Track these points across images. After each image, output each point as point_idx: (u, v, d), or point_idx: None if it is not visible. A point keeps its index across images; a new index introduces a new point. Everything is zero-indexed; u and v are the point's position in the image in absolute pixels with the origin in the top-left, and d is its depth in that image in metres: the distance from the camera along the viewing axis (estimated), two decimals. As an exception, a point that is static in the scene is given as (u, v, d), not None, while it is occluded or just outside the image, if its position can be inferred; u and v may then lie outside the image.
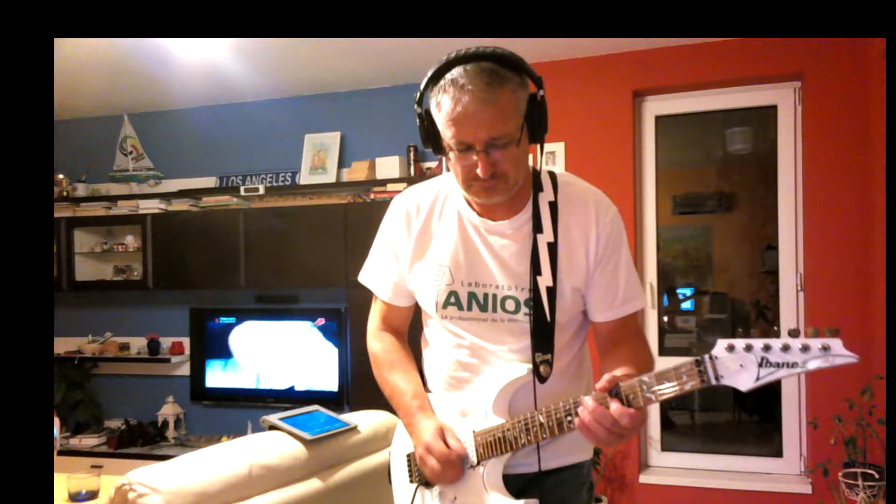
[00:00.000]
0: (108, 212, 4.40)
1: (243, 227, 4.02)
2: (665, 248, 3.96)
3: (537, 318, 1.35)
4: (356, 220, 3.83)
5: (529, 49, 3.47)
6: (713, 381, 1.09)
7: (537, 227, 1.36)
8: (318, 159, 4.15)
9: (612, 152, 3.44)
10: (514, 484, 1.38)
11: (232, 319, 4.23)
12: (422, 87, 1.32)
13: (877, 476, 2.80)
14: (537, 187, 1.39)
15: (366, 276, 1.55)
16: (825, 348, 1.00)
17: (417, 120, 1.35)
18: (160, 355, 4.35)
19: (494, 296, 1.38)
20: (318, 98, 4.24)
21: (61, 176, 4.49)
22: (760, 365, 1.05)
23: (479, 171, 1.26)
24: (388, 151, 3.97)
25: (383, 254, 1.51)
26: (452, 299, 1.40)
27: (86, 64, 3.60)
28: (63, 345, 4.51)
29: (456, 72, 1.26)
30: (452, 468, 1.35)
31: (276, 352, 4.12)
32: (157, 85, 3.99)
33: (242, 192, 4.12)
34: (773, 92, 3.46)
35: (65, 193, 4.48)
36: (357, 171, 4.02)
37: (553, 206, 1.38)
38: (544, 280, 1.35)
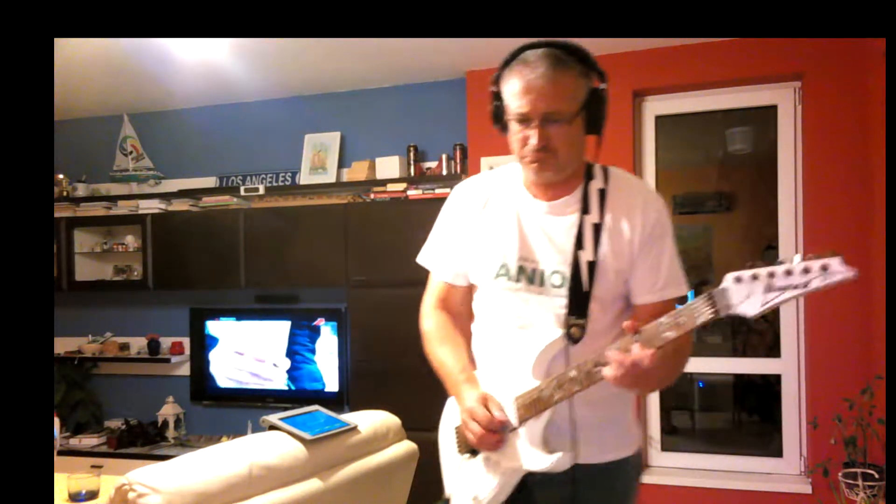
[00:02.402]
0: (108, 212, 4.40)
1: (243, 227, 4.02)
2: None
3: (574, 287, 1.43)
4: (356, 220, 3.83)
5: (529, 49, 3.48)
6: (724, 312, 1.15)
7: (585, 209, 1.46)
8: (318, 159, 4.15)
9: (612, 152, 3.38)
10: (553, 478, 1.44)
11: (232, 319, 4.23)
12: (499, 68, 1.45)
13: (877, 476, 2.80)
14: (589, 176, 1.50)
15: (426, 258, 1.68)
16: (824, 268, 1.05)
17: (491, 98, 1.48)
18: (160, 355, 4.35)
19: (542, 271, 1.47)
20: (318, 98, 4.24)
21: (61, 176, 4.49)
22: (766, 291, 1.11)
23: (532, 140, 1.38)
24: (388, 151, 3.97)
25: (444, 235, 1.64)
26: (503, 271, 1.50)
27: (86, 64, 3.60)
28: (63, 345, 4.51)
29: (527, 54, 1.40)
30: (493, 433, 1.43)
31: (276, 351, 4.12)
32: (157, 85, 3.99)
33: (242, 192, 4.13)
34: (773, 92, 3.46)
35: (65, 193, 4.48)
36: (357, 171, 4.02)
37: (602, 193, 1.48)
38: (585, 255, 1.44)
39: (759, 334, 3.79)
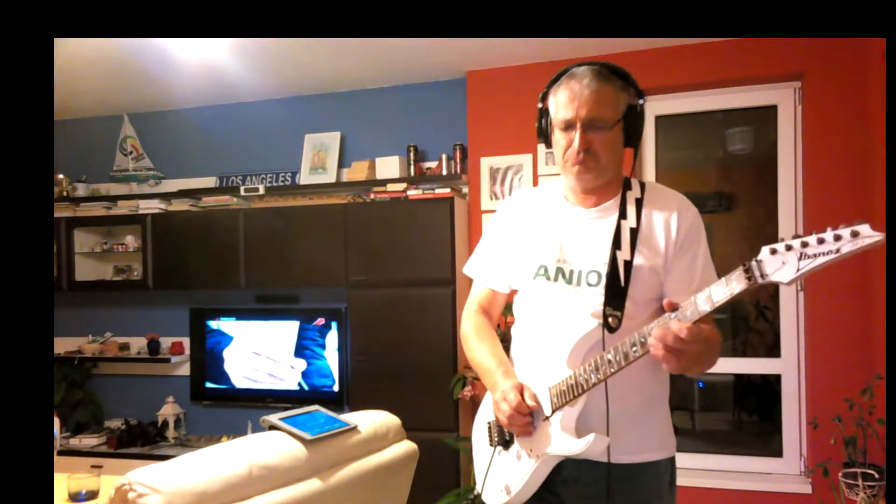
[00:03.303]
0: (108, 212, 4.40)
1: (243, 227, 4.02)
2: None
3: (611, 283, 1.50)
4: (356, 220, 3.83)
5: (530, 49, 3.48)
6: (759, 280, 1.20)
7: (622, 215, 1.56)
8: (318, 159, 4.15)
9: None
10: (582, 478, 1.51)
11: (232, 319, 4.23)
12: (546, 86, 1.61)
13: (877, 476, 2.80)
14: (627, 187, 1.60)
15: (472, 267, 1.79)
16: (855, 234, 1.10)
17: (538, 115, 1.63)
18: (160, 355, 4.35)
19: (580, 271, 1.55)
20: (318, 98, 4.24)
21: (61, 176, 4.49)
22: (800, 258, 1.15)
23: (575, 143, 1.51)
24: (388, 151, 3.97)
25: (492, 245, 1.74)
26: (542, 271, 1.59)
27: (86, 64, 3.60)
28: (63, 345, 4.51)
29: (574, 70, 1.56)
30: (522, 417, 1.50)
31: (276, 351, 4.12)
32: (157, 85, 3.99)
33: (242, 192, 4.13)
34: (773, 92, 3.46)
35: (65, 193, 4.48)
36: (357, 171, 4.02)
37: (639, 202, 1.57)
38: (623, 255, 1.51)
39: (759, 334, 3.79)
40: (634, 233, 1.53)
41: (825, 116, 3.25)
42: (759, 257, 1.20)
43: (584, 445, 1.44)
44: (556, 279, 1.57)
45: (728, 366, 3.72)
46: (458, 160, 3.84)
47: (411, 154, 3.93)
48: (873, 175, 3.10)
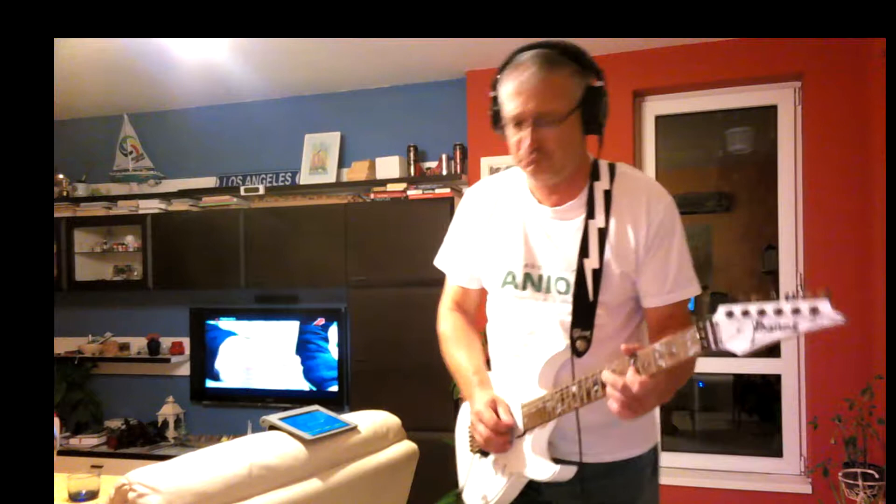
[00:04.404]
0: (108, 212, 4.40)
1: (243, 227, 4.02)
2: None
3: (579, 296, 1.43)
4: (356, 220, 3.83)
5: (529, 49, 3.48)
6: (713, 346, 1.14)
7: (590, 214, 1.44)
8: (318, 159, 4.15)
9: (612, 152, 3.39)
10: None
11: (232, 319, 4.23)
12: (496, 72, 1.44)
13: (877, 476, 2.80)
14: (594, 176, 1.48)
15: (442, 261, 1.69)
16: (814, 311, 1.04)
17: (490, 103, 1.47)
18: (160, 355, 4.35)
19: (548, 277, 1.47)
20: (318, 98, 4.24)
21: (61, 176, 4.49)
22: (756, 329, 1.10)
23: (525, 142, 1.37)
24: (388, 151, 3.97)
25: (458, 239, 1.64)
26: (510, 279, 1.50)
27: (86, 64, 3.60)
28: (63, 345, 4.51)
29: (519, 56, 1.40)
30: (499, 436, 1.45)
31: (276, 351, 4.12)
32: (157, 85, 3.99)
33: (242, 192, 4.13)
34: (773, 92, 3.46)
35: (65, 193, 4.48)
36: (357, 171, 4.02)
37: (607, 195, 1.45)
38: (590, 262, 1.42)
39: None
40: (603, 235, 1.42)
41: (825, 116, 3.25)
42: (715, 319, 1.13)
43: (553, 473, 1.41)
44: (524, 287, 1.49)
45: (728, 366, 3.72)
46: (458, 160, 3.84)
47: (411, 154, 3.93)
48: (873, 175, 3.10)
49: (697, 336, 1.16)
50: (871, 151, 3.12)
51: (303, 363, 4.07)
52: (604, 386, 1.29)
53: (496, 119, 1.46)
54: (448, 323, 1.68)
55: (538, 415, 1.43)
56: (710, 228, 4.37)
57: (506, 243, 1.52)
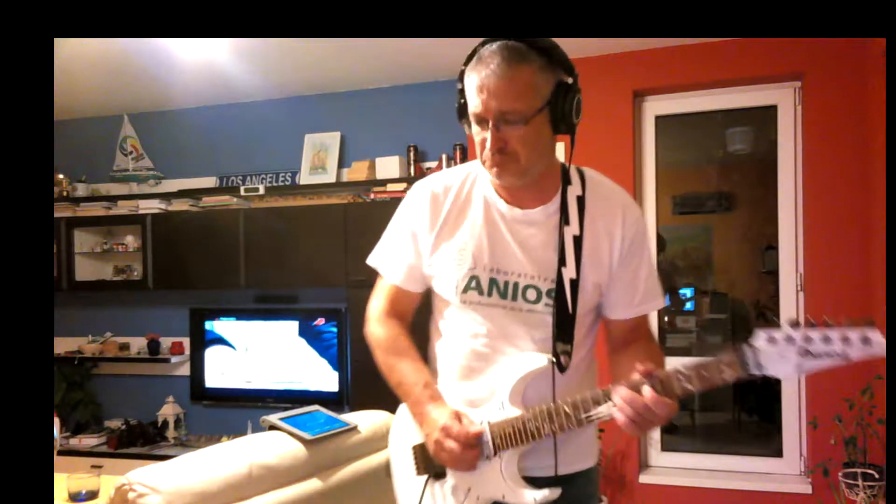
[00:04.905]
0: (108, 212, 4.40)
1: (243, 227, 4.02)
2: (665, 248, 3.96)
3: (560, 308, 1.34)
4: (356, 220, 3.83)
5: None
6: (756, 372, 1.10)
7: (564, 220, 1.35)
8: (318, 159, 4.15)
9: (612, 152, 3.43)
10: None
11: (232, 319, 4.23)
12: (463, 63, 1.33)
13: (877, 476, 2.80)
14: (566, 181, 1.38)
15: (377, 259, 1.53)
16: (865, 340, 1.05)
17: (457, 95, 1.37)
18: (160, 355, 4.35)
19: (516, 284, 1.36)
20: (318, 98, 4.24)
21: (61, 176, 4.49)
22: (802, 355, 1.08)
23: (488, 143, 1.27)
24: (388, 151, 3.97)
25: (400, 236, 1.49)
26: (473, 284, 1.37)
27: (86, 64, 3.60)
28: (63, 345, 4.51)
29: (483, 49, 1.28)
30: (471, 451, 1.32)
31: (277, 352, 4.12)
32: (157, 85, 3.99)
33: (242, 192, 4.13)
34: (773, 92, 3.46)
35: (65, 193, 4.48)
36: (357, 171, 4.02)
37: (581, 201, 1.37)
38: (568, 272, 1.34)
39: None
40: (579, 243, 1.34)
41: (825, 116, 3.25)
42: (756, 343, 1.09)
43: (541, 497, 1.32)
44: (489, 293, 1.36)
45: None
46: (458, 160, 3.84)
47: (411, 154, 3.93)
48: (873, 175, 3.10)
49: (736, 360, 1.12)
50: (871, 151, 3.12)
51: (303, 363, 4.07)
52: (605, 404, 1.23)
53: (462, 113, 1.35)
54: (383, 328, 1.50)
55: (515, 435, 1.31)
56: (710, 228, 4.38)
57: (469, 245, 1.38)
